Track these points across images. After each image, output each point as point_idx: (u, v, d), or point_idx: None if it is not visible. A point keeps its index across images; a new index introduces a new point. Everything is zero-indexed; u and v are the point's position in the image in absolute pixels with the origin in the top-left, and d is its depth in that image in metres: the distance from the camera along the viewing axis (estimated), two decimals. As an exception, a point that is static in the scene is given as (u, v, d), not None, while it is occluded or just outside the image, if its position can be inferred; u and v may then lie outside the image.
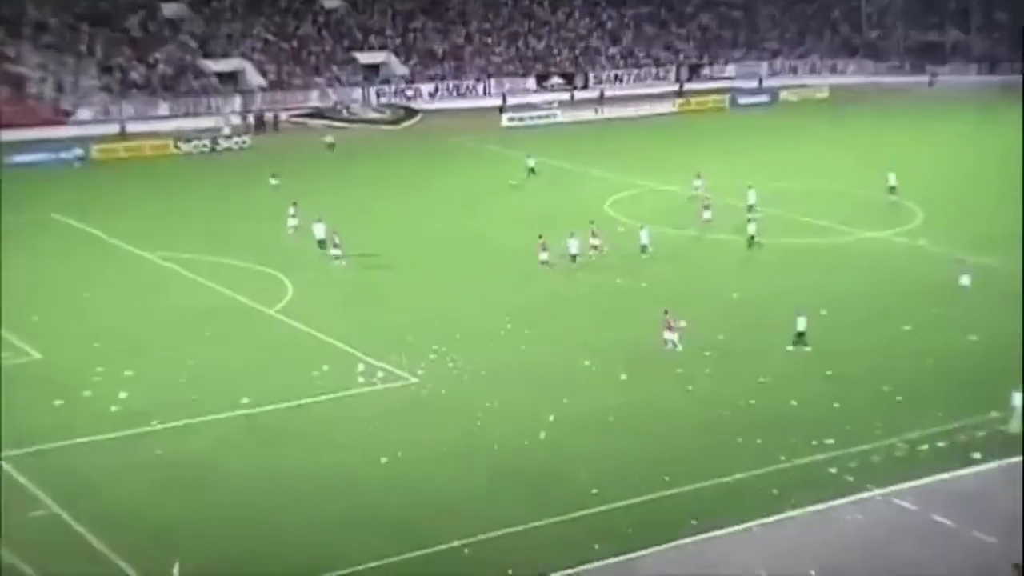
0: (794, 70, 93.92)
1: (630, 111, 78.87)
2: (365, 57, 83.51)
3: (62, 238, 47.22)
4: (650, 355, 33.98)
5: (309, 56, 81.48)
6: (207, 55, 78.41)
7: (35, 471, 26.79)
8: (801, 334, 34.32)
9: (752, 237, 45.10)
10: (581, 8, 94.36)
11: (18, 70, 71.84)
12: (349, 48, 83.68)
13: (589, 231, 43.68)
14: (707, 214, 48.18)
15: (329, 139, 64.60)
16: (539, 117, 76.38)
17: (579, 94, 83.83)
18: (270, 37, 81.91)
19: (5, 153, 61.18)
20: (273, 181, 54.44)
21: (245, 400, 30.59)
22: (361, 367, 33.16)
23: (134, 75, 74.63)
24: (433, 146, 66.72)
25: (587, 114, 77.78)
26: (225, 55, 79.02)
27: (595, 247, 43.30)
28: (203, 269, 42.25)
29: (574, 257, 42.56)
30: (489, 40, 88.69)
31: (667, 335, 34.34)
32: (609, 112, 78.39)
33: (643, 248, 43.52)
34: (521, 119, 75.74)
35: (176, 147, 65.76)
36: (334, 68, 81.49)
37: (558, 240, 43.10)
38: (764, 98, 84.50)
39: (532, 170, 56.72)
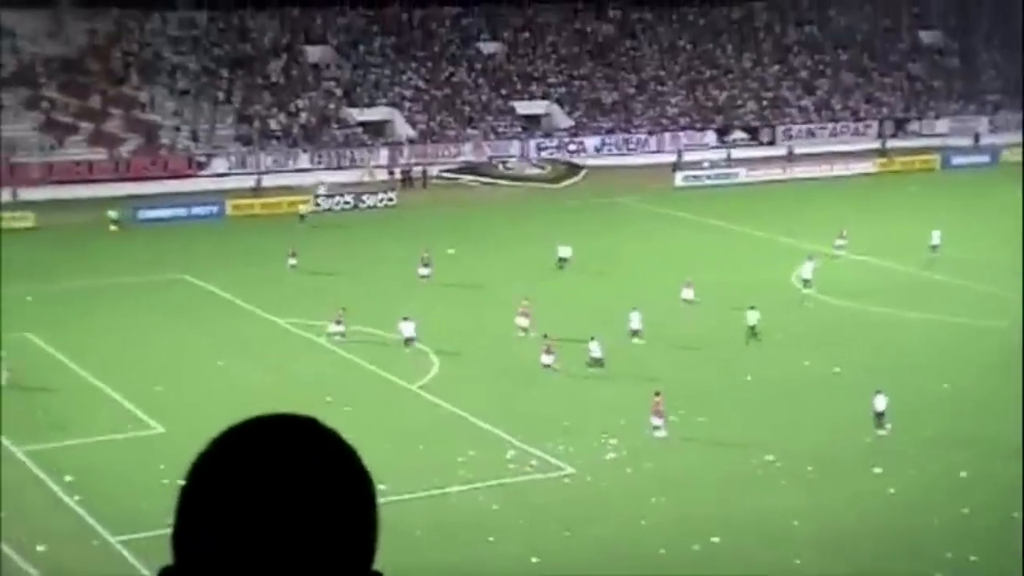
0: (1020, 126, 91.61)
1: (824, 170, 78.02)
2: (525, 107, 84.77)
3: (192, 301, 48.95)
4: (840, 451, 33.37)
5: (463, 105, 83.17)
6: (352, 103, 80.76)
7: (157, 558, 27.59)
8: (880, 415, 34.61)
9: (752, 327, 42.67)
10: (770, 54, 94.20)
11: (151, 118, 75.24)
12: (507, 97, 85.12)
13: (520, 309, 43.51)
14: (688, 292, 47.09)
15: (303, 209, 63.91)
16: (718, 176, 76.19)
17: (765, 151, 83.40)
18: (421, 84, 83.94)
19: (136, 207, 63.94)
20: (291, 261, 52.94)
21: (382, 487, 30.83)
22: (511, 454, 33.37)
23: (273, 124, 77.33)
24: (597, 207, 67.17)
25: (774, 173, 77.29)
26: (371, 103, 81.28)
27: (523, 329, 42.93)
28: (342, 339, 43.17)
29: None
30: (664, 89, 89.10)
31: (654, 420, 34.47)
32: (799, 171, 77.73)
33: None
34: (697, 178, 75.64)
35: (316, 203, 67.70)
36: (490, 119, 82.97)
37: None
38: (983, 158, 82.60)
39: (564, 260, 53.39)
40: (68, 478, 31.66)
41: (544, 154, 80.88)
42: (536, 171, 77.74)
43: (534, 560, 27.62)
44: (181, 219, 64.13)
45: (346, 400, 37.24)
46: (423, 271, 50.82)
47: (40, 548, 27.96)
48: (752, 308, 43.26)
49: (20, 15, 78.12)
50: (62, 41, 78.33)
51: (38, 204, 63.75)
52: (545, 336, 40.99)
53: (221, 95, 78.16)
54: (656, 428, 34.63)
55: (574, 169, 78.34)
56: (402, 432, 35.30)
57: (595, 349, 40.31)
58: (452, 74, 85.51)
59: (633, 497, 31.03)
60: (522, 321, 43.73)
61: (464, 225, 62.98)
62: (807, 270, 50.05)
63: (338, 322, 43.42)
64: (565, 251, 53.86)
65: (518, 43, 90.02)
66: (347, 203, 68.32)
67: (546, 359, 40.06)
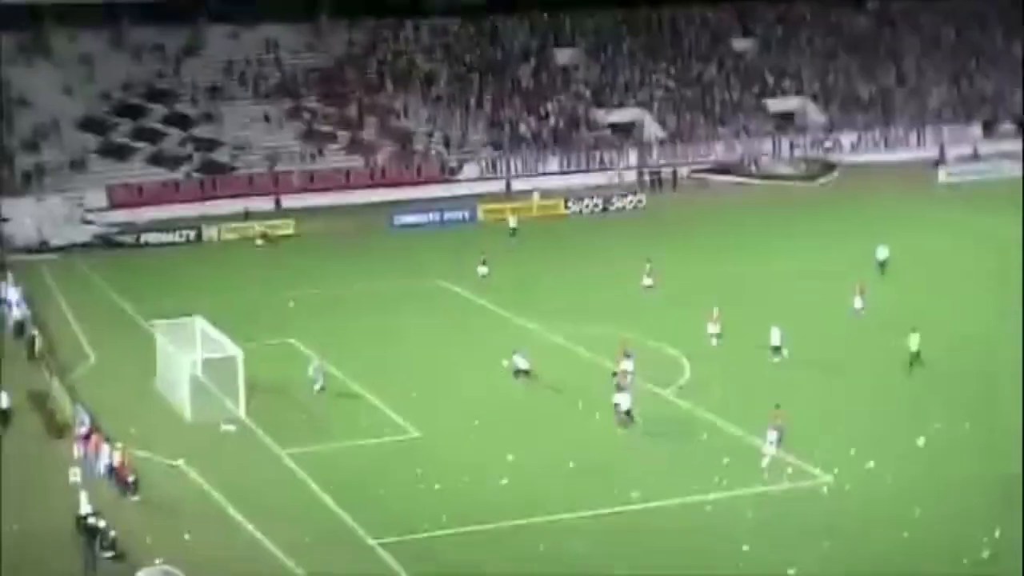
0: None
1: (1102, 162, 74.26)
2: (777, 104, 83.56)
3: (446, 306, 50.09)
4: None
5: (713, 104, 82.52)
6: (601, 105, 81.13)
7: (414, 561, 28.38)
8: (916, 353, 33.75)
9: (916, 354, 39.58)
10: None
11: (406, 125, 77.34)
12: (759, 94, 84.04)
13: (620, 350, 39.66)
14: (858, 302, 45.37)
15: (513, 222, 62.01)
16: (985, 171, 73.43)
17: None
18: (670, 84, 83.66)
19: (391, 213, 65.89)
20: (482, 270, 53.09)
21: (635, 494, 31.12)
22: (766, 461, 32.96)
23: (523, 128, 78.37)
24: (853, 207, 65.58)
25: (1046, 167, 74.02)
26: (621, 105, 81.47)
27: (625, 372, 38.41)
28: (594, 344, 43.45)
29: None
30: (925, 81, 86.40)
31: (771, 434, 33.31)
32: (1074, 164, 74.17)
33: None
34: (963, 174, 73.08)
35: (565, 207, 68.36)
36: (741, 117, 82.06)
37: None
38: None
39: (883, 264, 51.78)
40: (329, 481, 32.86)
41: (797, 152, 79.59)
42: (789, 170, 76.69)
43: (790, 572, 27.23)
44: (435, 224, 65.80)
45: (598, 406, 37.47)
46: (647, 281, 50.50)
47: (303, 548, 29.12)
48: (913, 331, 40.36)
49: (282, 28, 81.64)
50: (321, 52, 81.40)
51: (299, 212, 66.45)
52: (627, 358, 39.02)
53: (472, 100, 79.71)
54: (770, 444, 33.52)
55: (828, 167, 76.92)
56: (654, 437, 35.30)
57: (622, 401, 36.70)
58: (702, 73, 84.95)
59: (895, 508, 30.23)
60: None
61: (719, 225, 62.42)
62: None
63: (715, 322, 43.39)
64: (883, 252, 52.30)
65: (771, 39, 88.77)
66: (596, 206, 68.79)
67: (626, 364, 38.48)
